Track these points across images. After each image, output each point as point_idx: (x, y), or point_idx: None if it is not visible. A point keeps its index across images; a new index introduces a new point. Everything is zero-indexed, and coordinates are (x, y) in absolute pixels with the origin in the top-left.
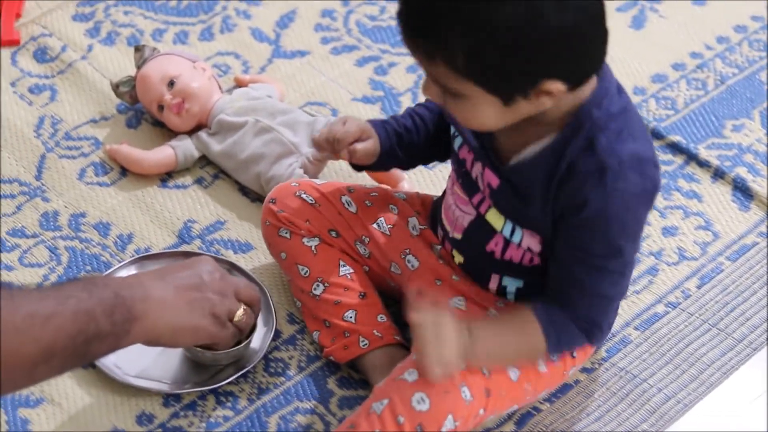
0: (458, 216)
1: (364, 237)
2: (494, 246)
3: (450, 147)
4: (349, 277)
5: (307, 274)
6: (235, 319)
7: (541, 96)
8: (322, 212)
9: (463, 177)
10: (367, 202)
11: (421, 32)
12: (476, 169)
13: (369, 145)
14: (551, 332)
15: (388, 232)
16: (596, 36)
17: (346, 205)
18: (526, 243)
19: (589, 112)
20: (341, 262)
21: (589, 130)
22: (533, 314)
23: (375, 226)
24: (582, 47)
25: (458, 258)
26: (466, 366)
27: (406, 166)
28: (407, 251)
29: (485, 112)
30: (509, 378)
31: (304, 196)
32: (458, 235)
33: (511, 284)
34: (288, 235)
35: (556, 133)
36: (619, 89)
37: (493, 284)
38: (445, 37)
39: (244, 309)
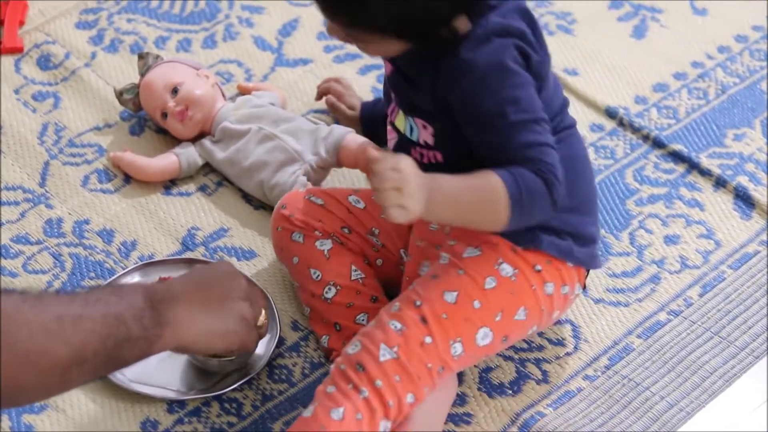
0: (390, 147)
1: (374, 229)
2: (413, 157)
3: None
4: (361, 281)
5: (319, 277)
6: (259, 323)
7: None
8: (333, 211)
9: (386, 96)
10: (374, 197)
11: (340, 10)
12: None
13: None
14: (507, 177)
15: None
16: None
17: (355, 203)
18: (422, 137)
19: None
20: (353, 267)
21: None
22: (492, 170)
23: (383, 216)
24: None
25: None
26: (424, 215)
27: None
28: (412, 233)
29: (391, 49)
30: (445, 301)
31: (313, 199)
32: None
33: None
34: (301, 239)
35: None
36: None
37: None
38: (366, 13)
39: (264, 313)
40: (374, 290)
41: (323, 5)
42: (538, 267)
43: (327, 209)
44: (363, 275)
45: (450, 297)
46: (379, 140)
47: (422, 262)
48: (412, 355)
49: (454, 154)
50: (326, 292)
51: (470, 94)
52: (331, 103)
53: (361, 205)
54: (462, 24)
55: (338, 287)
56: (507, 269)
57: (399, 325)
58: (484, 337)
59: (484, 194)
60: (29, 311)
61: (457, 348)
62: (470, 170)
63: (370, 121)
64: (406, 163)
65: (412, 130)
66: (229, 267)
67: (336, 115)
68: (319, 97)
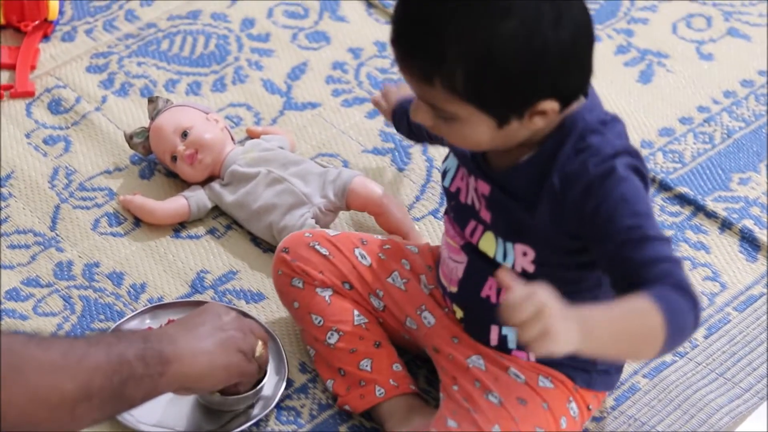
0: (452, 268)
1: (378, 290)
2: (489, 290)
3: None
4: (363, 326)
5: (321, 323)
6: (256, 354)
7: (534, 116)
8: (336, 264)
9: (455, 211)
10: (380, 255)
11: (417, 52)
12: (470, 186)
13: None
14: (660, 300)
15: (403, 287)
16: (588, 50)
17: (360, 258)
18: (519, 264)
19: (582, 117)
20: (355, 312)
21: (582, 130)
22: (639, 293)
23: (390, 280)
24: (576, 63)
25: (459, 313)
26: (579, 349)
27: (414, 138)
28: (423, 307)
29: (478, 134)
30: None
31: (318, 247)
32: (454, 288)
33: (511, 332)
34: (301, 285)
35: (547, 140)
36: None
37: (494, 336)
38: (443, 55)
39: (261, 344)
40: (378, 336)
41: (400, 45)
42: (591, 406)
43: (330, 261)
44: (366, 320)
45: None
46: (403, 132)
47: (470, 352)
48: None
49: (553, 285)
50: (329, 338)
51: (604, 205)
52: (375, 100)
53: (367, 262)
54: (551, 111)
55: (341, 333)
56: (574, 409)
57: None
58: None
59: (641, 320)
60: (35, 349)
61: None
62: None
63: (399, 114)
64: (545, 298)
65: (506, 256)
66: (217, 305)
67: (379, 109)
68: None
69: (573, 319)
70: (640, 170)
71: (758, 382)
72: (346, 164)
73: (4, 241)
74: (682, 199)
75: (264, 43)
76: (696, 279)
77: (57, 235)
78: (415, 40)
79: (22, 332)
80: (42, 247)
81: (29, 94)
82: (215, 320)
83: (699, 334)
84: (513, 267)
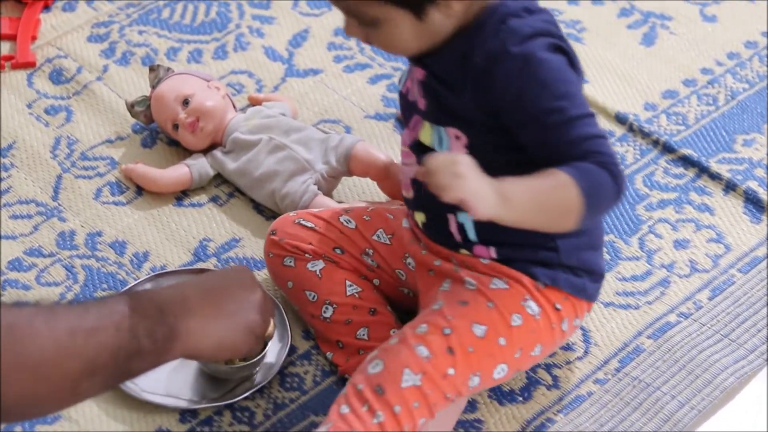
0: (406, 172)
1: (368, 249)
2: None
3: None
4: (357, 295)
5: (315, 298)
6: (266, 334)
7: (451, 2)
8: (324, 233)
9: (405, 110)
10: (365, 216)
11: None
12: (414, 79)
13: None
14: (575, 173)
15: (388, 242)
16: None
17: (346, 223)
18: (455, 150)
19: (504, 4)
20: (347, 282)
21: (503, 14)
22: (556, 169)
23: (375, 237)
24: None
25: (420, 218)
26: (498, 214)
27: None
28: (406, 255)
29: (404, 33)
30: (474, 334)
31: (303, 222)
32: (411, 193)
33: (465, 218)
34: (293, 263)
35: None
36: None
37: (453, 228)
38: None
39: (272, 325)
40: (373, 302)
41: None
42: (558, 305)
43: (318, 231)
44: (359, 289)
45: (479, 331)
46: None
47: (440, 282)
48: (434, 385)
49: (487, 168)
50: (324, 312)
51: (526, 90)
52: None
53: (352, 225)
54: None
55: (334, 305)
56: (533, 307)
57: (426, 352)
58: (500, 372)
59: (558, 192)
60: (42, 325)
61: (475, 380)
62: None
63: None
64: (464, 157)
65: (441, 142)
66: (247, 276)
67: None
68: None
69: (490, 182)
70: (561, 47)
71: (762, 343)
72: (348, 130)
73: (6, 212)
74: (686, 161)
75: (265, 10)
76: (700, 241)
77: (59, 204)
78: None
79: (29, 304)
80: (44, 217)
81: (30, 65)
82: (241, 297)
83: (703, 295)
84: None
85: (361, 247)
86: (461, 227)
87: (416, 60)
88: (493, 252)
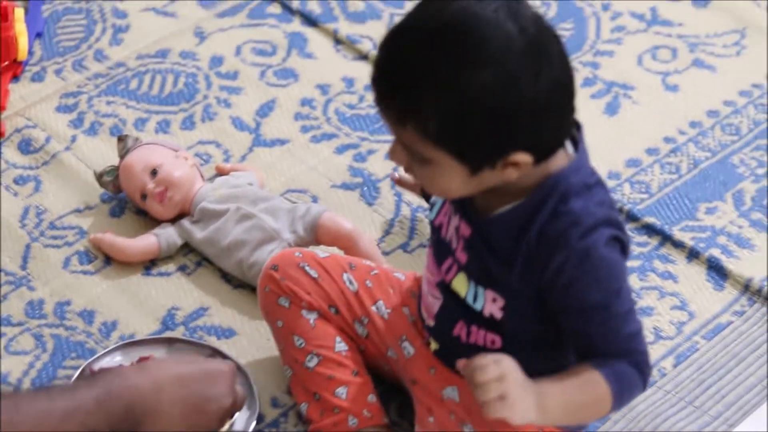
0: (430, 303)
1: (363, 318)
2: (459, 330)
3: None
4: (344, 353)
5: (302, 345)
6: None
7: (507, 167)
8: (324, 288)
9: (436, 246)
10: (367, 282)
11: (394, 93)
12: (452, 225)
13: None
14: (610, 375)
15: (386, 317)
16: (566, 108)
17: (348, 284)
18: (488, 309)
19: (566, 177)
20: (337, 339)
21: (564, 192)
22: (588, 365)
23: (374, 309)
24: (553, 119)
25: (434, 345)
26: (537, 422)
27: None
28: (404, 337)
29: (451, 180)
30: None
31: (307, 268)
32: (431, 322)
33: None
34: (287, 305)
35: (526, 196)
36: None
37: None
38: (419, 98)
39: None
40: (356, 364)
41: (379, 86)
42: None
43: (318, 284)
44: (346, 347)
45: None
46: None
47: (444, 385)
48: None
49: (520, 333)
50: (308, 361)
51: (578, 282)
52: (397, 178)
53: (354, 288)
54: (524, 163)
55: (320, 357)
56: None
57: None
58: None
59: (591, 396)
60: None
61: None
62: (527, 356)
63: None
64: (509, 367)
65: (476, 299)
66: (225, 387)
67: (401, 187)
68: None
69: (531, 392)
70: (621, 240)
71: (727, 409)
72: (315, 200)
73: None
74: (650, 229)
75: (232, 80)
76: (664, 308)
77: (28, 274)
78: (393, 83)
79: None
80: (13, 286)
81: None
82: (212, 410)
83: (668, 362)
84: (482, 311)
85: (358, 314)
86: None
87: (463, 213)
88: None
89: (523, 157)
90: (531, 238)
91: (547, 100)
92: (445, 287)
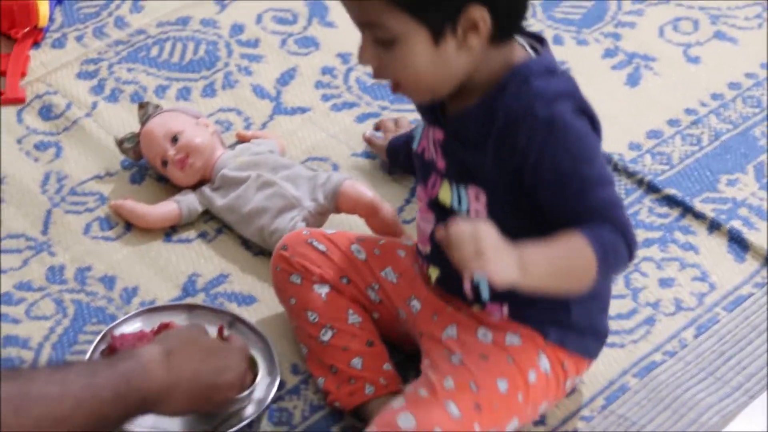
0: (423, 228)
1: (374, 284)
2: None
3: None
4: (357, 325)
5: (316, 320)
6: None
7: (468, 33)
8: (334, 260)
9: (421, 170)
10: (375, 250)
11: None
12: (430, 141)
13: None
14: (594, 238)
15: (395, 281)
16: None
17: (356, 253)
18: (474, 209)
19: (527, 65)
20: (350, 311)
21: (526, 75)
22: (574, 230)
23: (383, 274)
24: None
25: (434, 273)
26: (517, 281)
27: (412, 170)
28: (412, 297)
29: (418, 56)
30: (498, 390)
31: (315, 243)
32: (427, 248)
33: (483, 282)
34: (299, 281)
35: (494, 85)
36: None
37: (468, 289)
38: None
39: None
40: (370, 334)
41: None
42: (565, 364)
43: (328, 256)
44: (360, 319)
45: (503, 386)
46: (399, 168)
47: (444, 326)
48: None
49: (505, 226)
50: (323, 335)
51: (548, 153)
52: (367, 137)
53: (362, 257)
54: (483, 24)
55: (334, 330)
56: (545, 364)
57: (457, 412)
58: (511, 426)
59: (575, 259)
60: (11, 416)
61: None
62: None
63: (394, 150)
64: (484, 227)
65: (460, 201)
66: (240, 370)
67: (371, 148)
68: (375, 128)
69: (511, 252)
70: (586, 111)
71: (747, 380)
72: (335, 168)
73: None
74: (671, 201)
75: (253, 48)
76: (685, 279)
77: (49, 239)
78: None
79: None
80: (34, 251)
81: (20, 101)
82: (225, 394)
83: (689, 333)
84: (468, 212)
85: (368, 281)
86: (476, 289)
87: (435, 120)
88: (505, 309)
89: (481, 13)
90: (499, 120)
91: None
92: (434, 204)
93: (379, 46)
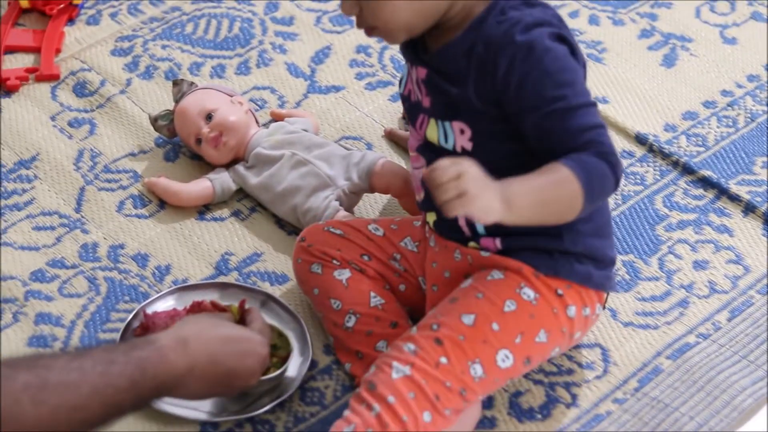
0: (416, 175)
1: (395, 254)
2: None
3: None
4: (380, 307)
5: (339, 307)
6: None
7: None
8: (352, 240)
9: (408, 113)
10: (392, 225)
11: None
12: (414, 82)
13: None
14: (576, 166)
15: (416, 249)
16: None
17: (374, 231)
18: (459, 144)
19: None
20: (372, 293)
21: (503, 6)
22: (557, 162)
23: (403, 244)
24: None
25: (431, 218)
26: (503, 218)
27: None
28: (433, 262)
29: (402, 11)
30: (463, 324)
31: (332, 230)
32: (422, 194)
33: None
34: (320, 270)
35: (471, 19)
36: None
37: (463, 223)
38: None
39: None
40: (395, 315)
41: None
42: (560, 291)
43: (346, 238)
44: (383, 301)
45: (467, 319)
46: None
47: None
48: (427, 374)
49: (491, 160)
50: (347, 321)
51: (529, 78)
52: (388, 131)
53: (380, 233)
54: None
55: (358, 315)
56: (528, 293)
57: (413, 347)
58: (504, 359)
59: (560, 189)
60: (28, 404)
61: (477, 369)
62: (505, 177)
63: None
64: (467, 165)
65: (446, 137)
66: (260, 355)
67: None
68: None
69: (494, 189)
70: (563, 37)
71: None
72: (369, 147)
73: (29, 223)
74: (706, 183)
75: (288, 26)
76: (719, 262)
77: (82, 216)
78: None
79: (21, 381)
80: (67, 228)
81: (54, 77)
82: (240, 382)
83: (722, 316)
84: (454, 148)
85: (389, 252)
86: (471, 225)
87: (417, 59)
88: (498, 242)
89: None
90: (479, 50)
91: None
92: (423, 148)
93: None
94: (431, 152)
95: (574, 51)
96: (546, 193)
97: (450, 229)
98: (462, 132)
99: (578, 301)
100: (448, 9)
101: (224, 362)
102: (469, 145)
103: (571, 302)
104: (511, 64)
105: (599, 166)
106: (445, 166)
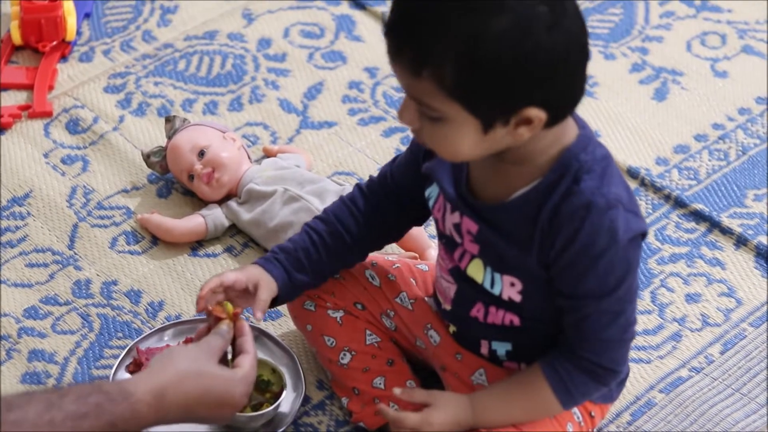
0: (445, 287)
1: (389, 311)
2: (476, 312)
3: (418, 214)
4: (376, 345)
5: (334, 344)
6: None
7: (520, 126)
8: (347, 286)
9: (440, 237)
10: (390, 275)
11: (408, 43)
12: (451, 221)
13: (262, 296)
14: (560, 386)
15: (410, 307)
16: (581, 66)
17: (370, 279)
18: (507, 293)
19: (576, 156)
20: (367, 331)
21: (576, 172)
22: (540, 371)
23: (398, 300)
24: (567, 75)
25: (452, 328)
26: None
27: (334, 272)
28: (429, 326)
29: (463, 138)
30: None
31: None
32: (448, 306)
33: (500, 348)
34: (313, 308)
35: (541, 177)
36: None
37: (484, 349)
38: (433, 48)
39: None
40: (390, 353)
41: (393, 36)
42: (593, 413)
43: (341, 283)
44: (378, 339)
45: None
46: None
47: (472, 369)
48: None
49: (539, 311)
50: (342, 358)
51: (577, 267)
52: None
53: (377, 283)
54: (537, 121)
55: (353, 352)
56: (578, 414)
57: None
58: None
59: (533, 401)
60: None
61: None
62: (545, 330)
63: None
64: (437, 416)
65: (493, 284)
66: (238, 403)
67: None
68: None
69: (462, 408)
70: (634, 210)
71: None
72: (362, 182)
73: (22, 260)
74: (698, 216)
75: (280, 62)
76: (712, 295)
77: (75, 253)
78: (407, 31)
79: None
80: (60, 265)
81: (47, 114)
82: (219, 415)
83: (715, 349)
84: (500, 295)
85: (383, 307)
86: (493, 351)
87: (463, 204)
88: (523, 366)
89: (537, 113)
90: (544, 218)
91: (564, 53)
92: (459, 273)
93: (424, 117)
94: (469, 286)
95: (641, 232)
96: (518, 402)
97: (469, 345)
98: (512, 285)
99: (599, 416)
100: (511, 145)
101: (197, 413)
102: (518, 298)
103: (597, 420)
104: (567, 246)
105: (586, 384)
106: (416, 423)
